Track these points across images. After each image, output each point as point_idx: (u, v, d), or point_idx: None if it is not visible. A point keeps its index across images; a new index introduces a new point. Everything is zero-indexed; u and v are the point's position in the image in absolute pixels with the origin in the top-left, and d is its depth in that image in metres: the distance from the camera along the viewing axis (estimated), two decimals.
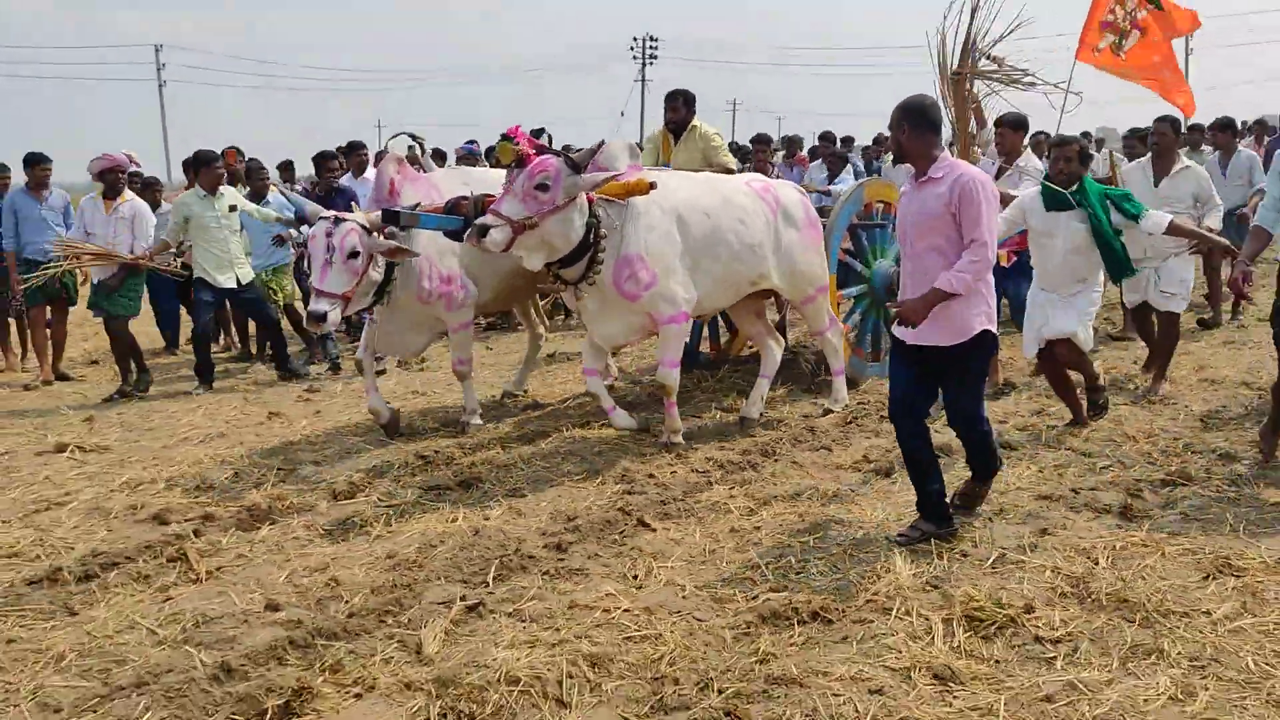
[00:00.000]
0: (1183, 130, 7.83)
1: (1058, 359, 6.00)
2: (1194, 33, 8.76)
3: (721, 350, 8.42)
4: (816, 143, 14.28)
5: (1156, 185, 6.90)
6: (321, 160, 9.33)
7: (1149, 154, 7.28)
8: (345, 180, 9.55)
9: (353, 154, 10.39)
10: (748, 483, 5.36)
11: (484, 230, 5.24)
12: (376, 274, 5.97)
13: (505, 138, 5.58)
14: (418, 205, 5.91)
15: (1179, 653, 3.39)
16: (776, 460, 5.73)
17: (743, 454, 5.82)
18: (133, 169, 9.29)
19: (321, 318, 5.74)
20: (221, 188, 8.21)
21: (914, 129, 4.26)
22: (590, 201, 5.61)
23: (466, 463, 5.78)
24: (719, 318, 8.22)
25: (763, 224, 6.27)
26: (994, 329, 4.33)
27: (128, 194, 8.18)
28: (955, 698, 3.17)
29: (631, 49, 52.77)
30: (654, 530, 4.71)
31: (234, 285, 8.18)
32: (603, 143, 5.68)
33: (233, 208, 8.19)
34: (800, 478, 5.44)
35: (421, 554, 4.44)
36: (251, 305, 8.50)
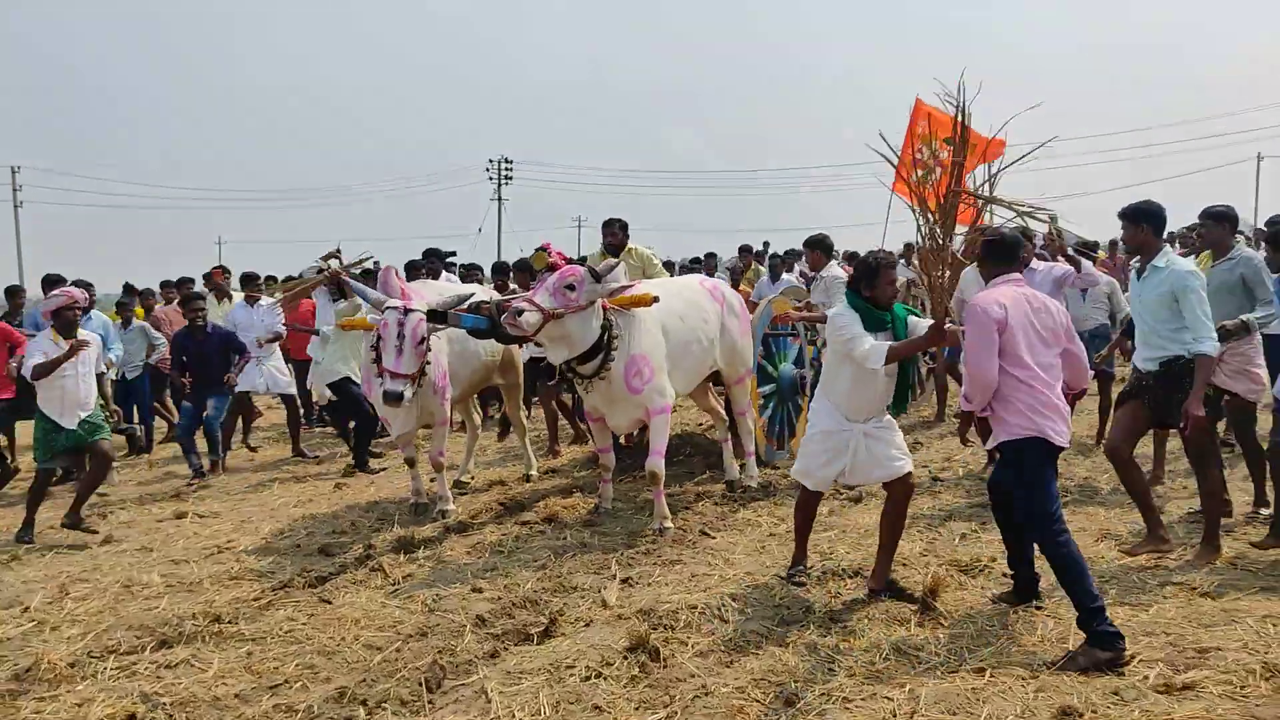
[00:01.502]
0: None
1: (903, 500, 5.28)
2: (999, 158, 9.24)
3: (634, 439, 9.16)
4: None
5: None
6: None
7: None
8: (239, 309, 10.34)
9: (248, 285, 10.67)
10: (764, 507, 7.17)
11: (520, 311, 6.04)
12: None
13: (540, 249, 7.21)
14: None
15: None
16: (776, 494, 7.56)
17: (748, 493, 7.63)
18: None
19: (399, 397, 6.40)
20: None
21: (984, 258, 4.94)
22: (605, 309, 6.56)
23: (542, 506, 7.35)
24: None
25: (715, 319, 7.43)
26: (1019, 435, 4.53)
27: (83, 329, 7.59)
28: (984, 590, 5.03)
29: (487, 170, 55.28)
30: (714, 538, 6.45)
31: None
32: (617, 263, 6.83)
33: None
34: None
35: (554, 558, 6.03)
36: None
